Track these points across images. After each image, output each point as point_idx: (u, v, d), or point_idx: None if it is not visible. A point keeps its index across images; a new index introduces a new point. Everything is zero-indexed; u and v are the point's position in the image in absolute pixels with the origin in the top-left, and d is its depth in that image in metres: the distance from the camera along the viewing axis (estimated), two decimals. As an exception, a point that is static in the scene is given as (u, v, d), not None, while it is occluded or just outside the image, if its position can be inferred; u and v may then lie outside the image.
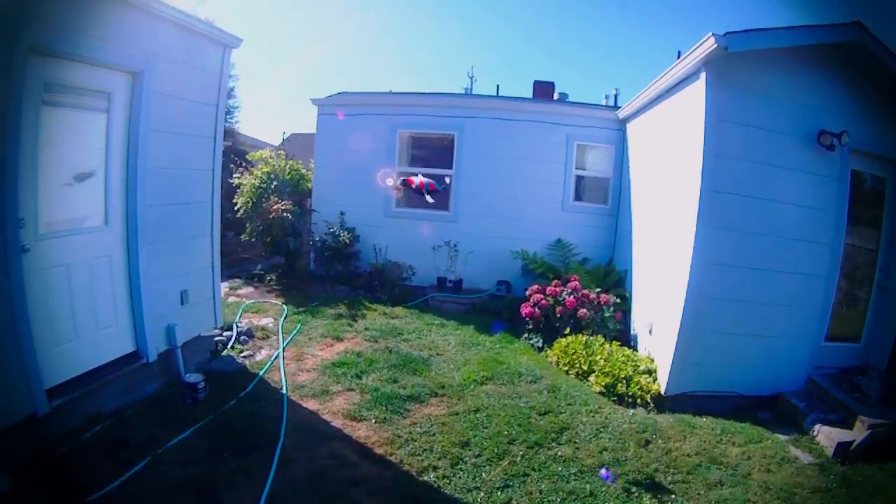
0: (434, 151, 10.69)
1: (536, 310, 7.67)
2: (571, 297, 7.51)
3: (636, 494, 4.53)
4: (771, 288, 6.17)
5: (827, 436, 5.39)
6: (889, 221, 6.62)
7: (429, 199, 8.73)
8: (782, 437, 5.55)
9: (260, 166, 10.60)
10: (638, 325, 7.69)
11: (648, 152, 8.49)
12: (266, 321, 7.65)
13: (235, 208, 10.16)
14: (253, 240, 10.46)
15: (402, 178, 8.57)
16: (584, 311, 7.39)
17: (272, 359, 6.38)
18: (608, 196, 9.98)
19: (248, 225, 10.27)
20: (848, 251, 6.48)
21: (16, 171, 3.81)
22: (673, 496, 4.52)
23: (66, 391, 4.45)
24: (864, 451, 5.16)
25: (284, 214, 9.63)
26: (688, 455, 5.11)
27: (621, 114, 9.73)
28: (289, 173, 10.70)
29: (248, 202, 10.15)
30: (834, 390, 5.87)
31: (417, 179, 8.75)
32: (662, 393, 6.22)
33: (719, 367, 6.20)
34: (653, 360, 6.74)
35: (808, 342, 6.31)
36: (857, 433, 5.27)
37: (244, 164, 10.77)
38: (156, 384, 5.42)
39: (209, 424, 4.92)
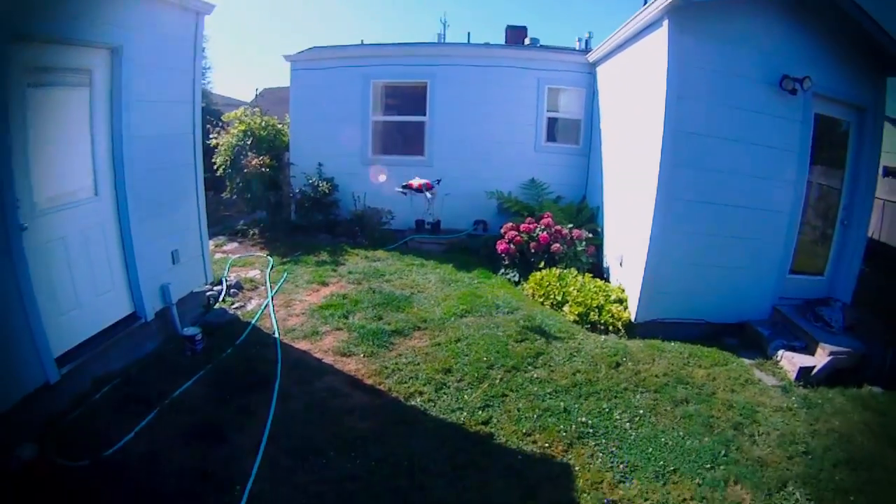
0: (408, 100, 10.74)
1: (511, 246, 7.98)
2: (545, 233, 7.81)
3: (607, 410, 4.96)
4: (736, 223, 6.48)
5: (790, 360, 5.76)
6: (852, 163, 6.89)
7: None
8: (747, 361, 5.94)
9: (236, 125, 10.61)
10: (609, 257, 8.04)
11: (617, 95, 8.67)
12: (253, 273, 7.89)
13: (214, 167, 10.21)
14: (234, 197, 10.56)
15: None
16: (558, 245, 7.71)
17: (262, 307, 6.65)
18: (580, 137, 10.21)
19: (227, 183, 10.35)
20: (813, 190, 6.79)
21: (8, 156, 3.92)
22: (641, 412, 4.94)
23: (73, 357, 4.66)
24: (826, 376, 5.53)
25: (263, 169, 9.74)
26: (656, 376, 5.51)
27: (591, 57, 9.85)
28: (264, 129, 10.73)
29: (226, 161, 10.19)
30: (798, 319, 6.23)
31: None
32: (633, 320, 6.61)
33: (687, 296, 6.58)
34: (623, 291, 7.10)
35: (773, 274, 6.68)
36: (819, 359, 5.62)
37: (220, 125, 10.77)
38: (155, 341, 5.66)
39: (209, 372, 5.22)
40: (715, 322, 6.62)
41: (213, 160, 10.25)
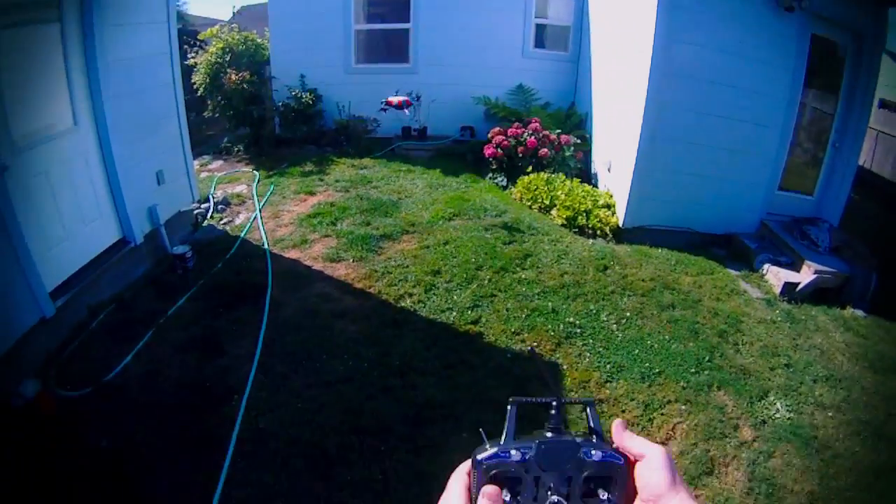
0: (391, 6, 10.25)
1: (499, 150, 7.87)
2: (533, 137, 7.68)
3: (595, 311, 5.04)
4: (727, 134, 6.35)
5: (775, 275, 5.80)
6: (846, 87, 6.67)
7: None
8: (733, 272, 5.99)
9: (213, 43, 10.20)
10: (598, 163, 7.95)
11: (609, 0, 8.31)
12: (240, 188, 7.78)
13: (194, 87, 9.90)
14: (216, 115, 10.26)
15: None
16: (545, 150, 7.60)
17: (251, 221, 6.60)
18: (569, 43, 9.82)
19: (209, 102, 10.04)
20: (806, 113, 6.64)
21: None
22: (628, 314, 5.01)
23: (67, 289, 4.63)
24: (810, 293, 5.58)
25: (243, 85, 9.44)
26: (643, 280, 5.57)
27: (581, -40, 9.36)
28: (243, 44, 10.32)
29: (205, 79, 9.83)
30: (785, 236, 6.22)
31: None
32: (620, 225, 6.61)
33: (675, 205, 6.55)
34: (612, 196, 7.06)
35: (762, 188, 6.60)
36: (804, 276, 5.64)
37: (197, 45, 10.36)
38: (146, 264, 5.64)
39: (202, 288, 5.24)
40: (703, 232, 6.64)
41: (192, 80, 9.93)
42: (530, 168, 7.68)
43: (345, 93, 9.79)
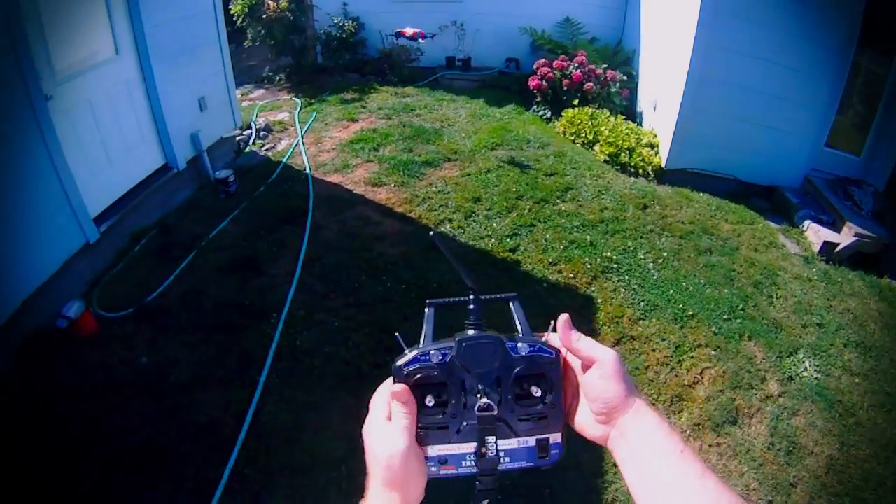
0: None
1: (543, 83, 7.68)
2: (578, 70, 7.45)
3: (632, 249, 4.98)
4: (776, 80, 6.03)
5: (815, 232, 5.58)
6: None
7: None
8: (773, 225, 5.81)
9: (251, -29, 10.00)
10: (643, 102, 7.69)
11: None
12: (281, 116, 7.76)
13: (233, 16, 9.79)
14: (257, 44, 10.18)
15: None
16: (591, 84, 7.39)
17: (293, 146, 6.61)
18: (620, -23, 9.43)
19: (248, 31, 9.95)
20: (860, 73, 6.20)
21: (24, 35, 3.77)
22: (665, 255, 4.95)
23: (110, 215, 4.74)
24: (848, 256, 5.35)
25: (284, 13, 9.32)
26: (682, 223, 5.47)
27: None
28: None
29: (244, 8, 9.73)
30: (828, 194, 5.94)
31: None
32: (663, 166, 6.45)
33: (719, 150, 6.32)
34: (656, 136, 6.86)
35: (809, 142, 6.29)
36: (844, 237, 5.40)
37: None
38: (189, 190, 5.71)
39: (244, 211, 5.32)
40: (745, 181, 6.42)
41: (231, 10, 9.80)
42: (575, 102, 7.50)
43: (388, 21, 9.54)
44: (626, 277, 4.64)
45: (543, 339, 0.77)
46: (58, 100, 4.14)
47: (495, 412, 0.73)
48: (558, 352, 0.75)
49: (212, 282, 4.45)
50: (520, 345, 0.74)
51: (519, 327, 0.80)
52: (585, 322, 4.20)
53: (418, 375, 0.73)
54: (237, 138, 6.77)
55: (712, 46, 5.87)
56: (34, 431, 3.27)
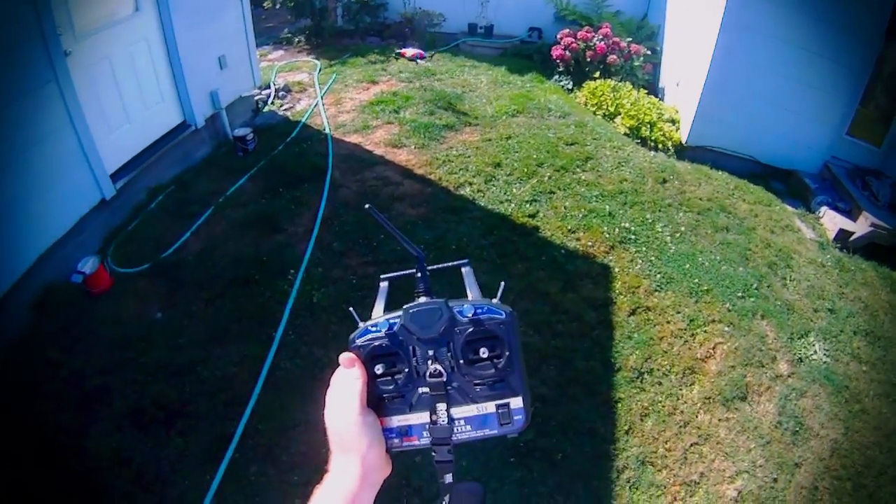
0: None
1: (567, 53, 7.53)
2: (602, 42, 7.29)
3: (650, 221, 4.91)
4: (801, 64, 5.88)
5: (831, 219, 5.49)
6: None
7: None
8: (790, 209, 5.72)
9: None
10: (666, 77, 7.53)
11: None
12: (301, 77, 7.61)
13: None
14: (276, 6, 10.03)
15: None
16: (614, 57, 7.25)
17: (312, 106, 6.49)
18: (647, -49, 9.19)
19: (268, -8, 9.81)
20: (886, 65, 5.97)
21: None
22: (683, 229, 4.87)
23: (127, 171, 4.67)
24: (863, 246, 5.27)
25: (303, -26, 9.14)
26: (700, 199, 5.38)
27: None
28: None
29: (264, -32, 9.58)
30: (846, 182, 5.84)
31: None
32: (683, 142, 6.35)
33: (741, 130, 6.21)
34: (677, 112, 6.75)
35: (830, 129, 6.15)
36: (860, 227, 5.32)
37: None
38: (207, 147, 5.62)
39: (262, 169, 5.23)
40: (764, 163, 6.33)
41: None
42: (597, 74, 7.36)
43: (411, -16, 9.38)
44: (644, 249, 4.58)
45: (495, 301, 0.75)
46: (77, 56, 4.06)
47: (444, 378, 0.72)
48: (511, 312, 0.73)
49: (229, 238, 4.40)
50: (466, 307, 0.73)
51: (469, 292, 0.81)
52: (602, 290, 4.15)
53: (370, 346, 0.74)
54: (256, 98, 6.65)
55: (740, 26, 5.74)
56: (48, 386, 3.26)
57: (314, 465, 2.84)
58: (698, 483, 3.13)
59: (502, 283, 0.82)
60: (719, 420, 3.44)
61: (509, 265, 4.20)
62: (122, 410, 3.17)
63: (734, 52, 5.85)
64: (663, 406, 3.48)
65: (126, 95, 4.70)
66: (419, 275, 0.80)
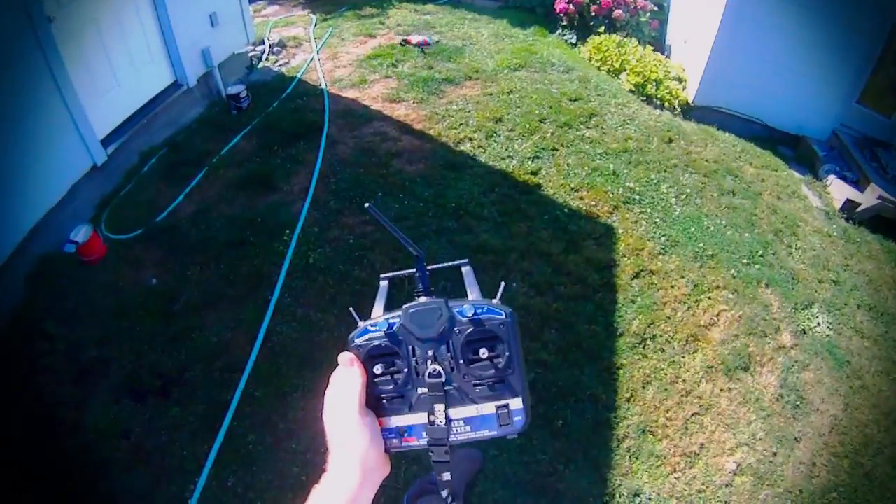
0: None
1: (570, 6, 7.24)
2: (608, -4, 7.03)
3: (655, 181, 4.70)
4: (815, 27, 5.59)
5: (839, 188, 5.28)
6: None
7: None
8: (797, 175, 5.50)
9: None
10: (673, 35, 7.23)
11: None
12: (296, 31, 7.28)
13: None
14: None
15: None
16: (620, 12, 6.95)
17: (308, 61, 6.21)
18: None
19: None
20: None
21: None
22: (688, 191, 4.66)
23: (118, 135, 4.48)
24: (869, 218, 5.07)
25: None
26: (706, 160, 5.15)
27: None
28: None
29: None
30: (855, 151, 5.59)
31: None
32: (690, 102, 6.10)
33: (749, 91, 5.96)
34: (684, 70, 6.48)
35: (841, 94, 5.85)
36: (867, 198, 5.11)
37: None
38: (200, 107, 5.40)
39: (256, 127, 5.01)
40: (772, 126, 6.09)
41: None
42: (602, 29, 7.07)
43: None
44: (648, 210, 4.38)
45: (495, 301, 0.73)
46: (61, 21, 3.87)
47: (443, 378, 0.71)
48: (511, 313, 0.71)
49: (223, 199, 4.23)
50: (465, 307, 0.71)
51: (469, 292, 0.79)
52: (606, 252, 3.98)
53: (369, 346, 0.72)
54: (250, 54, 6.38)
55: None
56: (46, 360, 3.15)
57: (311, 432, 2.77)
58: (698, 454, 3.00)
59: (502, 284, 0.81)
60: (721, 390, 3.31)
61: (511, 224, 4.02)
62: (119, 382, 3.07)
63: (745, 10, 5.58)
64: (665, 374, 3.34)
65: (114, 58, 4.50)
66: (419, 274, 0.78)
